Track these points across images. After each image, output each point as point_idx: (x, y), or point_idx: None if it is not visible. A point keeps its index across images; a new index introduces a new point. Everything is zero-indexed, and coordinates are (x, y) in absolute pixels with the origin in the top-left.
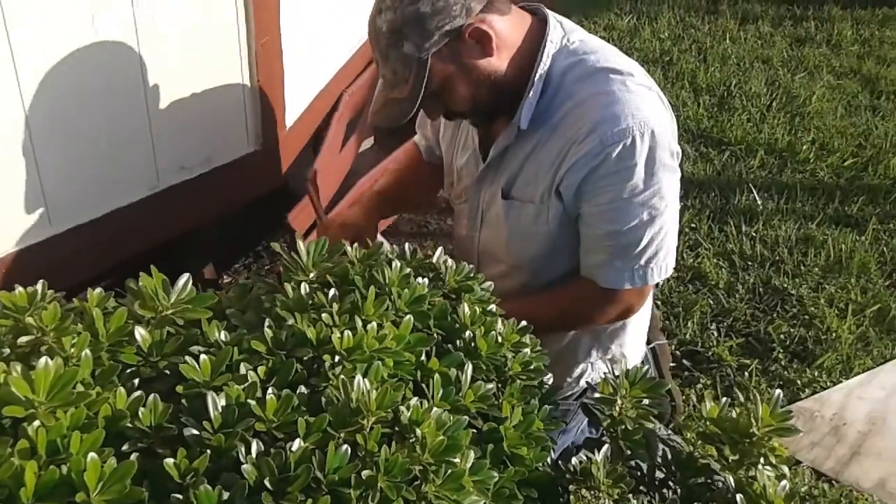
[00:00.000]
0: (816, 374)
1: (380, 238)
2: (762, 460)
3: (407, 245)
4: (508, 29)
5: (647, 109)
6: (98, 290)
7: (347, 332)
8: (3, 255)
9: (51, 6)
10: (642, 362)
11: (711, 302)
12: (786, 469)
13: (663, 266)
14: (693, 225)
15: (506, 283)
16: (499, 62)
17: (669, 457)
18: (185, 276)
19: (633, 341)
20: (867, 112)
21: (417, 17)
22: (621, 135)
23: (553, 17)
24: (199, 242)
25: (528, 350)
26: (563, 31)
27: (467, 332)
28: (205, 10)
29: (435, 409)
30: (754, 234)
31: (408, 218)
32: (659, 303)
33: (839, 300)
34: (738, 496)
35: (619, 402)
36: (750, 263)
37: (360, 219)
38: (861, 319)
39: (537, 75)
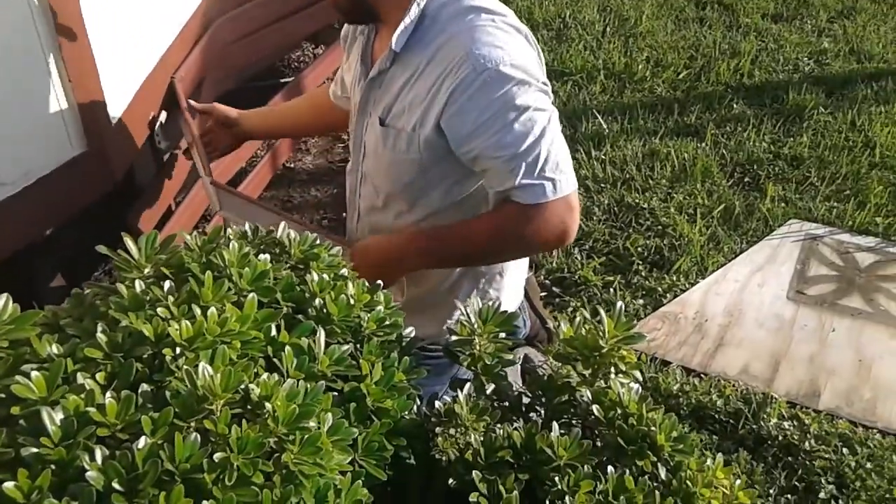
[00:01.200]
0: (675, 278)
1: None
2: (613, 370)
3: (247, 224)
4: None
5: (515, 45)
6: None
7: (185, 322)
8: None
9: None
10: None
11: (536, 254)
12: (637, 374)
13: (570, 175)
14: None
15: (385, 214)
16: None
17: (532, 382)
18: (3, 296)
19: (511, 285)
20: (695, 24)
21: None
22: (493, 62)
23: None
24: (51, 254)
25: (381, 307)
26: None
27: (317, 300)
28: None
29: (288, 380)
30: (603, 156)
31: (270, 195)
32: None
33: (688, 206)
34: (595, 407)
35: (476, 340)
36: (603, 185)
37: (224, 109)
38: (710, 221)
39: (416, 3)
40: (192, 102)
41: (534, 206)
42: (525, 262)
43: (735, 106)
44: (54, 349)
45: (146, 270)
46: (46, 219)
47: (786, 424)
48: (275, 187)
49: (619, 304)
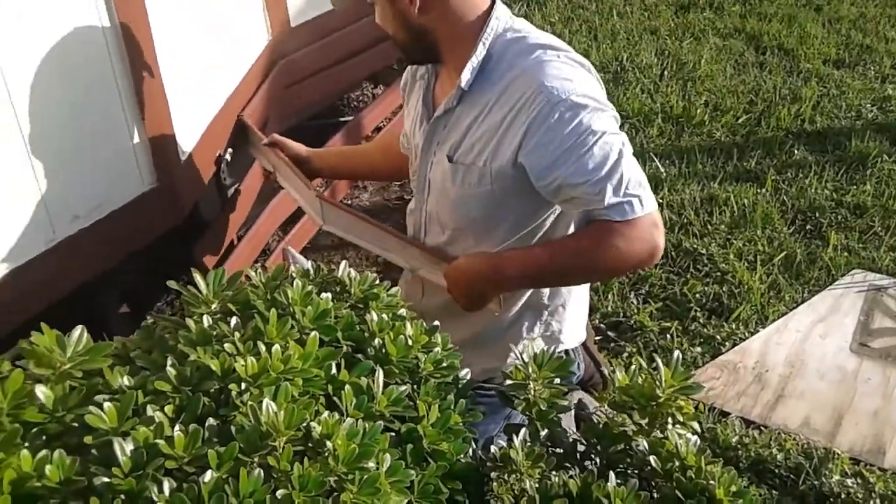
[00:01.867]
0: (734, 326)
1: (299, 256)
2: (671, 421)
3: (310, 263)
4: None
5: (582, 77)
6: None
7: (251, 359)
8: None
9: None
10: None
11: (629, 273)
12: (695, 425)
13: (650, 194)
14: None
15: (452, 250)
16: (423, 16)
17: (588, 429)
18: (79, 327)
19: (574, 319)
20: (754, 69)
21: None
22: (566, 93)
23: (501, 3)
24: (115, 285)
25: (439, 349)
26: (509, 14)
27: (376, 340)
28: (77, 47)
29: (347, 419)
30: (661, 200)
31: (325, 233)
32: None
33: (747, 253)
34: (652, 458)
35: (530, 385)
36: None
37: (296, 146)
38: (770, 269)
39: (481, 43)
40: (264, 136)
41: (624, 223)
42: (587, 295)
43: (796, 152)
44: (125, 381)
45: (213, 306)
46: (115, 251)
47: (849, 482)
48: None
49: (677, 353)
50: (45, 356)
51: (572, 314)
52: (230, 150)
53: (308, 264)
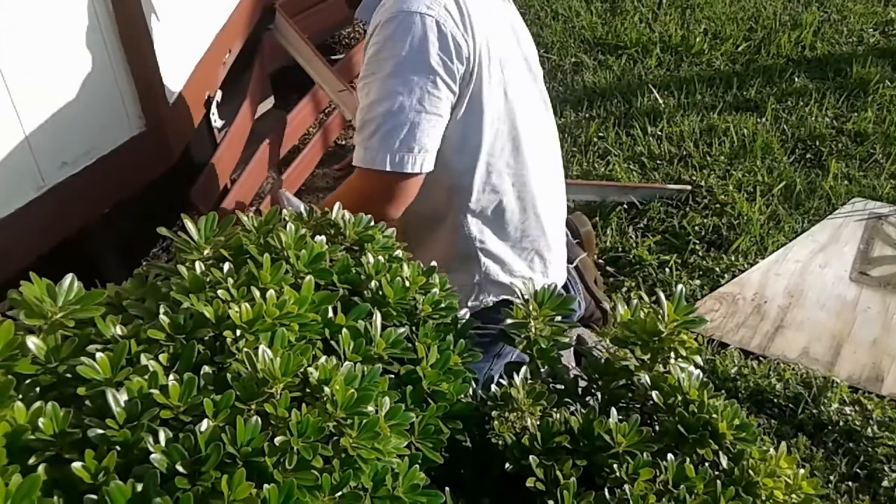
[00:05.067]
0: (733, 258)
1: (293, 198)
2: (673, 355)
3: (303, 206)
4: None
5: (432, 3)
6: None
7: (245, 305)
8: None
9: None
10: (567, 280)
11: (626, 206)
12: (698, 360)
13: (407, 158)
14: (601, 134)
15: None
16: None
17: (589, 365)
18: (69, 276)
19: (516, 262)
20: None
21: None
22: (390, 13)
23: None
24: (108, 232)
25: (436, 290)
26: None
27: (373, 282)
28: None
29: (345, 363)
30: (660, 132)
31: (322, 173)
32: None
33: (747, 184)
34: (654, 393)
35: (531, 323)
36: (659, 163)
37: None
38: (770, 199)
39: None
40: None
41: (361, 172)
42: (518, 236)
43: (796, 80)
44: (118, 330)
45: (205, 252)
46: (106, 197)
47: (847, 410)
48: (326, 164)
49: (680, 287)
50: (36, 306)
51: (508, 255)
52: (220, 92)
53: (302, 207)
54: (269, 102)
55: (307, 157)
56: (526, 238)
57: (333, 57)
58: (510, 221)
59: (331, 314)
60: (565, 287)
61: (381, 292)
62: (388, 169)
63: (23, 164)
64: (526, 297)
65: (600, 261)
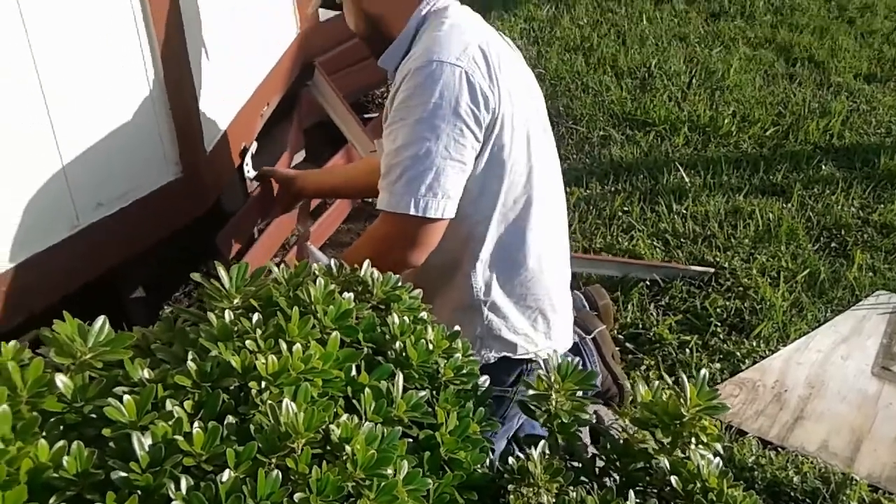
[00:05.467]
0: (755, 343)
1: (318, 252)
2: (694, 440)
3: (333, 261)
4: None
5: (462, 55)
6: (12, 342)
7: (272, 357)
8: None
9: None
10: (578, 350)
11: (648, 282)
12: (718, 447)
13: (431, 203)
14: (626, 208)
15: None
16: (373, 4)
17: (608, 445)
18: (102, 318)
19: (519, 319)
20: (784, 80)
21: None
22: (419, 63)
23: None
24: (135, 273)
25: (459, 355)
26: (448, 2)
27: (397, 343)
28: (106, 34)
29: (367, 423)
30: (685, 211)
31: (347, 228)
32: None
33: (771, 269)
34: (673, 478)
35: (553, 396)
36: (683, 241)
37: (283, 170)
38: (793, 286)
39: (406, 27)
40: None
41: (385, 216)
42: (526, 293)
43: (823, 167)
44: (145, 374)
45: (235, 301)
46: (137, 240)
47: None
48: (353, 220)
49: (704, 371)
50: (67, 345)
51: (514, 311)
52: (255, 143)
53: (326, 260)
54: (300, 156)
55: (334, 212)
56: (531, 296)
57: (366, 115)
58: (517, 277)
59: (354, 372)
60: (575, 353)
61: (404, 354)
62: (411, 213)
63: (60, 202)
64: (548, 368)
65: (620, 336)
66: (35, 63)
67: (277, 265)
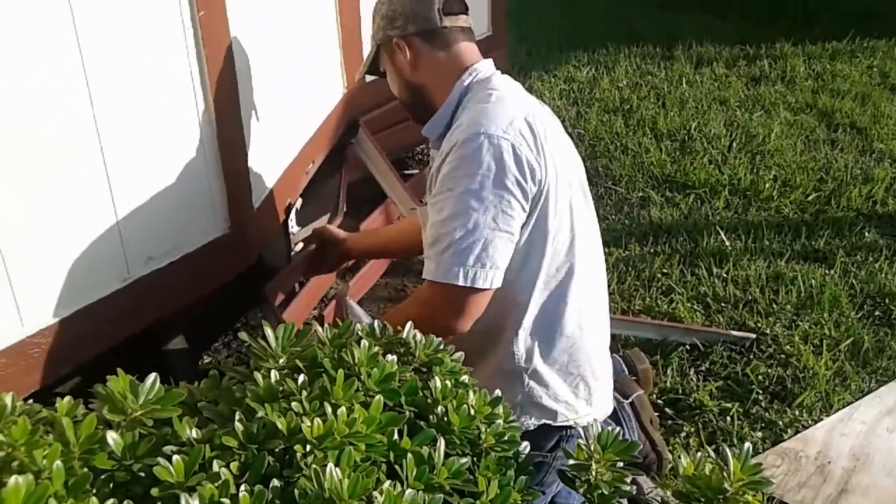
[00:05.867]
0: (797, 413)
1: (357, 308)
2: None
3: (364, 315)
4: (435, 57)
5: (508, 128)
6: (67, 398)
7: (317, 420)
8: None
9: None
10: (616, 415)
11: (688, 346)
12: None
13: (479, 274)
14: (665, 270)
15: None
16: (416, 74)
17: None
18: (153, 375)
19: (561, 387)
20: (825, 146)
21: (378, 14)
22: (467, 135)
23: (485, 63)
24: (176, 323)
25: (500, 421)
26: (490, 72)
27: (439, 407)
28: (164, 95)
29: (409, 491)
30: (725, 275)
31: (384, 282)
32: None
33: (813, 336)
34: None
35: (593, 466)
36: (724, 305)
37: (335, 230)
38: (836, 354)
39: (449, 97)
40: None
41: (430, 286)
42: (569, 361)
43: (867, 234)
44: (193, 433)
45: (281, 360)
46: (184, 293)
47: None
48: (390, 275)
49: (747, 445)
50: (119, 402)
51: (554, 379)
52: (300, 199)
53: (364, 315)
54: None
55: (373, 266)
56: (573, 363)
57: (406, 172)
58: (559, 344)
59: (396, 436)
60: (614, 419)
61: (446, 419)
62: (460, 283)
63: (112, 255)
64: (588, 438)
65: (659, 401)
66: (96, 122)
67: (317, 318)
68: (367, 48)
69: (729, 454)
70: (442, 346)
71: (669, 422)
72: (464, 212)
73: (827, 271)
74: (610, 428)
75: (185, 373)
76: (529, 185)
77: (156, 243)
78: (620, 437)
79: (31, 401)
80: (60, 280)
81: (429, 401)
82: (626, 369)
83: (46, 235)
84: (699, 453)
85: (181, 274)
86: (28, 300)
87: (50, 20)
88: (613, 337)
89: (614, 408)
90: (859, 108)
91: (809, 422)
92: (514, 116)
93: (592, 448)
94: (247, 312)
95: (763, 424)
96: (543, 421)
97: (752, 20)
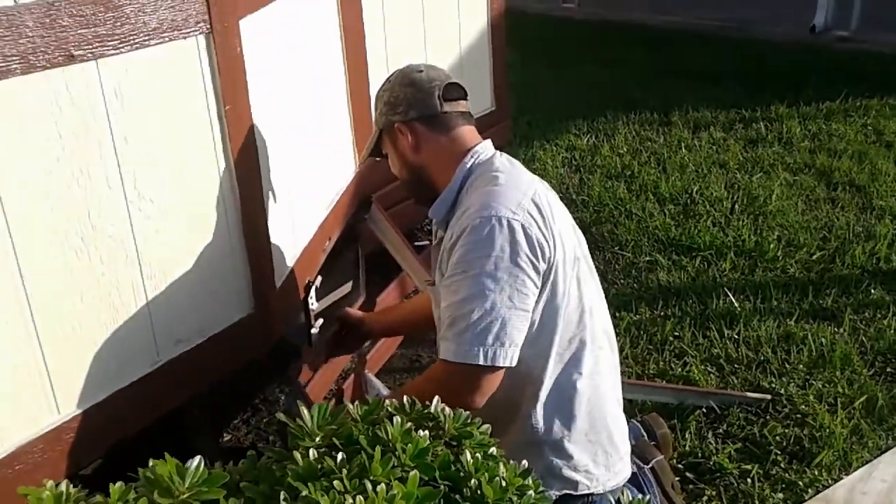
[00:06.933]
0: (816, 472)
1: (376, 381)
2: None
3: (383, 388)
4: (436, 139)
5: (517, 209)
6: (119, 483)
7: (359, 497)
8: (18, 447)
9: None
10: (637, 481)
11: (705, 409)
12: None
13: (499, 353)
14: (677, 333)
15: None
16: (418, 156)
17: None
18: (198, 458)
19: (581, 457)
20: (826, 204)
21: (380, 100)
22: (478, 218)
23: (485, 145)
24: (197, 402)
25: (531, 492)
26: (491, 153)
27: (472, 480)
28: (193, 183)
29: None
30: (736, 336)
31: (399, 353)
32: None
33: (828, 395)
34: None
35: None
36: (737, 367)
37: (354, 313)
38: (851, 412)
39: (453, 179)
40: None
41: (445, 365)
42: (587, 431)
43: (873, 291)
44: None
45: (317, 439)
46: (211, 374)
47: None
48: (405, 346)
49: None
50: (167, 484)
51: (575, 451)
52: (319, 277)
53: (383, 388)
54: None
55: (389, 339)
56: (592, 431)
57: (417, 244)
58: (578, 415)
59: None
60: (635, 484)
61: (479, 491)
62: (480, 363)
63: (142, 340)
64: None
65: (679, 465)
66: (130, 217)
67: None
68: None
69: None
70: (470, 420)
71: (691, 486)
72: (480, 293)
73: (836, 329)
74: (637, 496)
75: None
76: (541, 263)
77: (184, 326)
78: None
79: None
80: (94, 366)
81: (462, 474)
82: (645, 434)
83: (80, 322)
84: None
85: (208, 355)
86: (63, 387)
87: (88, 117)
88: (630, 402)
89: (634, 473)
90: (857, 166)
91: (829, 481)
92: (522, 197)
93: None
94: (265, 389)
95: (784, 485)
96: (565, 491)
97: (745, 86)
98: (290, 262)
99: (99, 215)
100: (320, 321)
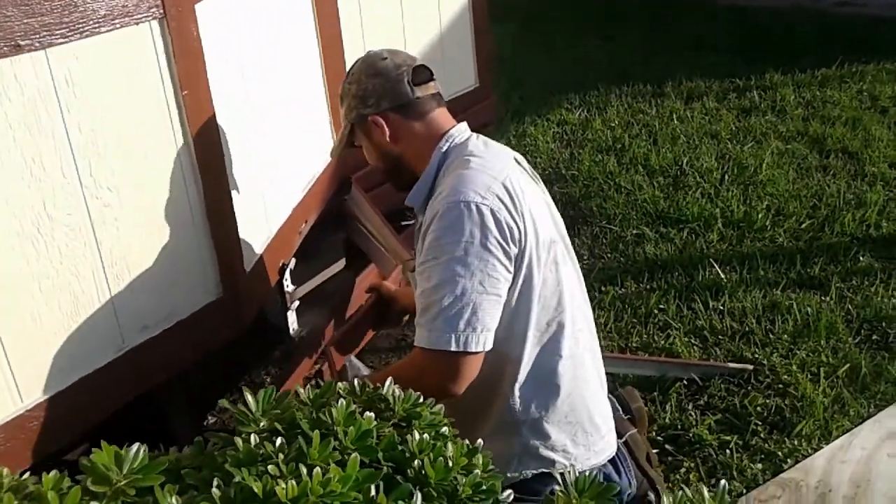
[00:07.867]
0: (797, 442)
1: (357, 362)
2: None
3: (356, 380)
4: (411, 126)
5: (487, 193)
6: (53, 472)
7: (291, 482)
8: None
9: None
10: (615, 457)
11: (686, 381)
12: None
13: (471, 338)
14: (661, 306)
15: None
16: (395, 146)
17: None
18: (136, 445)
19: (560, 437)
20: (818, 172)
21: (348, 94)
22: (447, 203)
23: (459, 128)
24: (177, 387)
25: (478, 470)
26: (466, 135)
27: (416, 461)
28: (148, 169)
29: None
30: (721, 307)
31: (385, 334)
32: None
33: (811, 364)
34: None
35: None
36: (721, 338)
37: (389, 286)
38: (834, 381)
39: (429, 164)
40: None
41: (418, 348)
42: (566, 413)
43: (861, 259)
44: (174, 500)
45: (262, 424)
46: (180, 359)
47: None
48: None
49: (723, 482)
50: (103, 473)
51: (553, 430)
52: (294, 259)
53: (364, 368)
54: (339, 265)
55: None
56: (572, 412)
57: (404, 223)
58: (555, 397)
59: (373, 492)
60: (613, 462)
61: (423, 472)
62: (453, 349)
63: (106, 327)
64: (567, 483)
65: (658, 438)
66: (86, 201)
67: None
68: None
69: (706, 494)
70: (421, 400)
71: (669, 458)
72: (450, 279)
73: (823, 298)
74: (588, 472)
75: (190, 434)
76: (511, 247)
77: (150, 312)
78: (599, 480)
79: (27, 473)
80: (57, 354)
81: (406, 455)
82: (620, 409)
83: (39, 311)
84: (679, 493)
85: (176, 340)
86: (24, 375)
87: (39, 107)
88: (612, 375)
89: None
90: (850, 132)
91: (809, 451)
92: (492, 182)
93: (570, 495)
94: (251, 371)
95: (763, 456)
96: (542, 470)
97: (741, 54)
98: (261, 246)
99: (55, 205)
100: (296, 303)
